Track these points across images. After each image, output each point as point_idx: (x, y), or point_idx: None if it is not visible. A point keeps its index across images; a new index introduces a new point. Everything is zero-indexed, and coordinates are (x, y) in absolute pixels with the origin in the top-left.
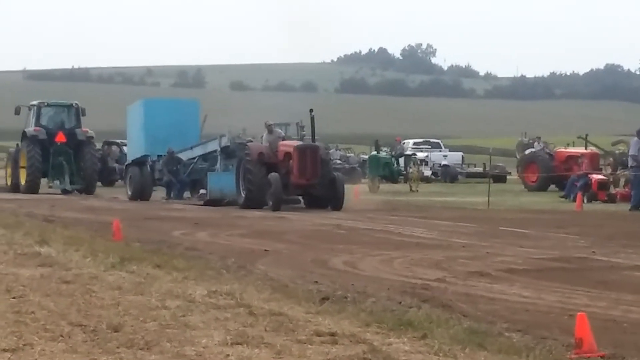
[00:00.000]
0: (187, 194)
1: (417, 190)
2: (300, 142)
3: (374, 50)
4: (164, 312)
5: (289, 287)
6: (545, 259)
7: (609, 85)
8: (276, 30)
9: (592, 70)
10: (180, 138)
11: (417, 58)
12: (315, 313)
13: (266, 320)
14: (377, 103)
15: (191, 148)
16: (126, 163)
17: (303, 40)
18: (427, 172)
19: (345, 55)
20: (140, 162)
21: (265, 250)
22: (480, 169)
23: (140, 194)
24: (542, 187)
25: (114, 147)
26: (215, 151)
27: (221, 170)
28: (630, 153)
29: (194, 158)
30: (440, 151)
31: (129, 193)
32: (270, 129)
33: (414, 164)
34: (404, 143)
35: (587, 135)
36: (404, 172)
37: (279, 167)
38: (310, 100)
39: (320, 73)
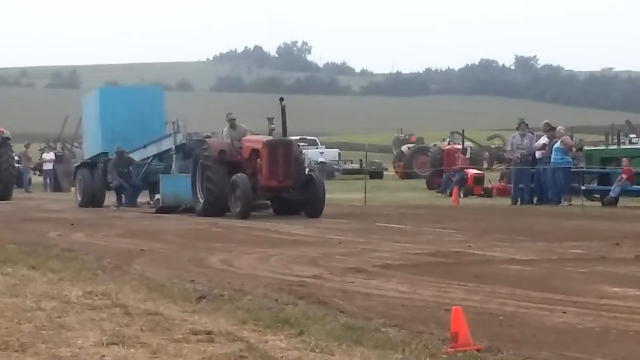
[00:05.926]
0: (143, 199)
1: None
2: (269, 137)
3: (249, 48)
4: (39, 314)
5: (166, 287)
6: (421, 253)
7: (484, 80)
8: (151, 29)
9: (467, 65)
10: (143, 132)
11: (292, 56)
12: (191, 312)
13: (142, 319)
14: (253, 101)
15: (144, 147)
16: (75, 165)
17: (178, 38)
18: None
19: (220, 54)
20: (92, 164)
21: (142, 250)
22: (356, 166)
23: (91, 199)
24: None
25: None
26: (170, 150)
27: (177, 172)
28: (507, 148)
29: (148, 158)
30: (316, 148)
31: (78, 199)
32: (232, 123)
33: None
34: None
35: (463, 130)
36: None
37: (244, 167)
38: (186, 99)
39: (196, 72)
